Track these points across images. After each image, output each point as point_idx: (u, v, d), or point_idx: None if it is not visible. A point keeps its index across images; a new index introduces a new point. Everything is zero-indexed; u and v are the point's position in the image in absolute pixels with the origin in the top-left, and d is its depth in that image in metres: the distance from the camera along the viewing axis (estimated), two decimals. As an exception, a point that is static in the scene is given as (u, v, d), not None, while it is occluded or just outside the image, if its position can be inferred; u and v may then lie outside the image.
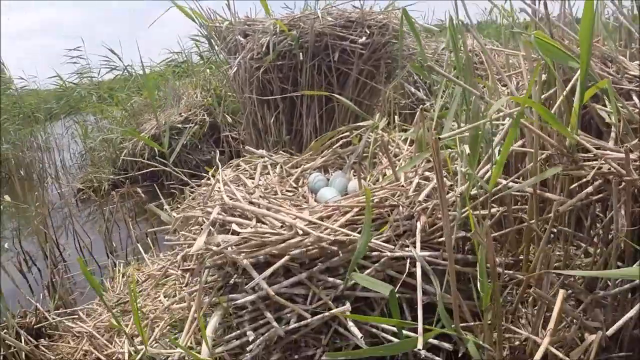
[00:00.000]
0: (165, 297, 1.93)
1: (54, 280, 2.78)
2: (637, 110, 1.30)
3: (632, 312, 1.08)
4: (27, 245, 3.73)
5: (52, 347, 2.13)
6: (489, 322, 1.28)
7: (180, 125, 4.85)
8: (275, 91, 3.51)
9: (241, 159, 2.26)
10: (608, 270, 1.23)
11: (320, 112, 3.50)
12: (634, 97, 1.42)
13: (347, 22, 3.42)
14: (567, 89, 1.31)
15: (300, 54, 3.33)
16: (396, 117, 2.57)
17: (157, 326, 1.75)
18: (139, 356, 1.60)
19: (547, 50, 1.23)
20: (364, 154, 2.15)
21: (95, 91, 7.52)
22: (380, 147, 2.00)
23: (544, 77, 1.47)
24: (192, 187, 2.40)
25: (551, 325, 1.12)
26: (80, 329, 2.15)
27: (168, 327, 1.73)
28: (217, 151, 4.89)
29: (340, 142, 2.28)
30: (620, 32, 1.68)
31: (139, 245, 2.94)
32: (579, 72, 1.19)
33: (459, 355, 1.36)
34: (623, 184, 1.09)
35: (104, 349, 1.93)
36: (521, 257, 1.53)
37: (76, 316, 2.32)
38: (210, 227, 1.56)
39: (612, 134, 1.28)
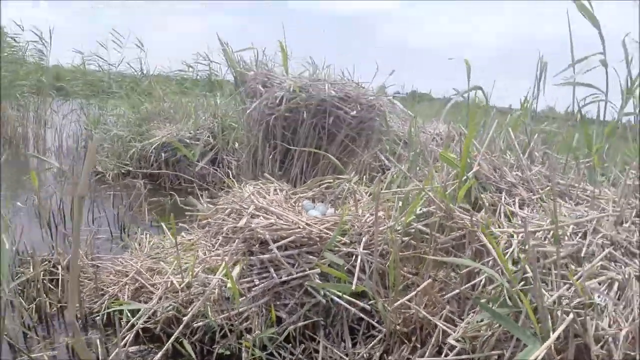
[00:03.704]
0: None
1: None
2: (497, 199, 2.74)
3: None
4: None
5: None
6: (393, 297, 2.64)
7: (188, 141, 6.21)
8: (277, 134, 4.92)
9: (259, 181, 3.62)
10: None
11: (308, 158, 4.90)
12: (503, 193, 2.85)
13: (345, 96, 4.87)
14: (462, 178, 2.72)
15: (304, 112, 4.76)
16: (364, 176, 3.99)
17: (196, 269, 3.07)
18: (186, 280, 2.93)
19: (447, 161, 2.65)
20: (339, 196, 3.57)
21: (107, 80, 8.98)
22: (350, 194, 3.42)
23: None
24: (216, 193, 3.78)
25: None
26: (121, 269, 3.43)
27: (203, 271, 3.04)
28: (212, 169, 6.32)
29: (325, 184, 3.70)
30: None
31: (163, 224, 4.21)
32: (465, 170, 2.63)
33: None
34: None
35: (148, 281, 3.21)
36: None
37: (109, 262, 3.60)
38: (248, 215, 2.93)
39: (483, 210, 2.69)
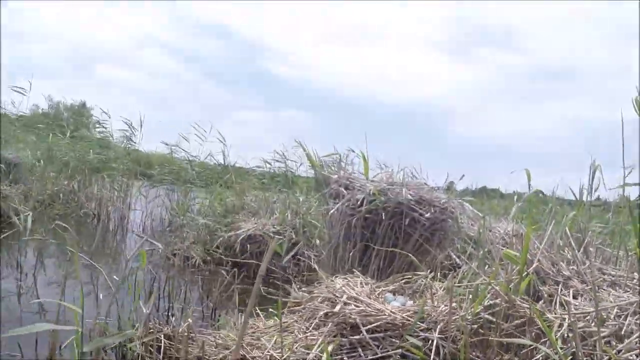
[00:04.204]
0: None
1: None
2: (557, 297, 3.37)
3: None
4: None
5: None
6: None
7: (272, 235, 7.03)
8: (357, 233, 5.65)
9: (347, 275, 4.35)
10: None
11: (385, 255, 5.59)
12: (560, 285, 3.48)
13: (420, 199, 5.60)
14: (523, 274, 3.37)
15: (383, 213, 5.50)
16: (438, 273, 4.65)
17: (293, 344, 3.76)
18: (285, 355, 3.61)
19: (509, 259, 3.33)
20: (416, 290, 4.24)
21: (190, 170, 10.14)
22: (426, 288, 4.09)
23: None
24: (300, 284, 4.51)
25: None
26: (222, 342, 4.13)
27: (300, 347, 3.72)
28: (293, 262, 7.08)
29: (404, 280, 4.39)
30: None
31: (257, 308, 4.91)
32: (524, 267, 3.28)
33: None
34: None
35: (249, 353, 3.90)
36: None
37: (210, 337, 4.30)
38: (341, 302, 3.64)
39: (542, 300, 3.32)
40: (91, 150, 12.02)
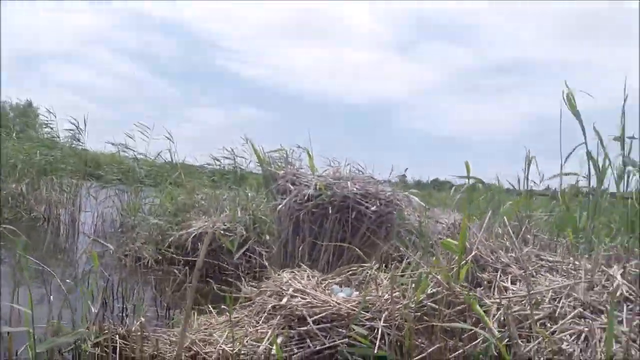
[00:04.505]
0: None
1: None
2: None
3: None
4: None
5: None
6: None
7: (222, 232, 7.05)
8: (305, 228, 5.72)
9: (295, 269, 4.42)
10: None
11: (334, 249, 5.67)
12: (499, 272, 3.62)
13: (366, 192, 5.71)
14: (461, 262, 3.49)
15: (330, 208, 5.58)
16: (385, 265, 4.76)
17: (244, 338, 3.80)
18: (237, 349, 3.66)
19: (448, 247, 3.45)
20: (362, 281, 4.33)
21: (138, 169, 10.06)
22: (372, 279, 4.19)
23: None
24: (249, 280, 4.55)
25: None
26: (176, 340, 4.14)
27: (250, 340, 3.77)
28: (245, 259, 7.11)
29: (350, 272, 4.48)
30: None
31: (209, 306, 4.93)
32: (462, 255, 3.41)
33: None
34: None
35: (202, 349, 3.93)
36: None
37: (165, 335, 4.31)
38: (288, 295, 3.70)
39: (481, 287, 3.46)
40: (38, 152, 11.76)
